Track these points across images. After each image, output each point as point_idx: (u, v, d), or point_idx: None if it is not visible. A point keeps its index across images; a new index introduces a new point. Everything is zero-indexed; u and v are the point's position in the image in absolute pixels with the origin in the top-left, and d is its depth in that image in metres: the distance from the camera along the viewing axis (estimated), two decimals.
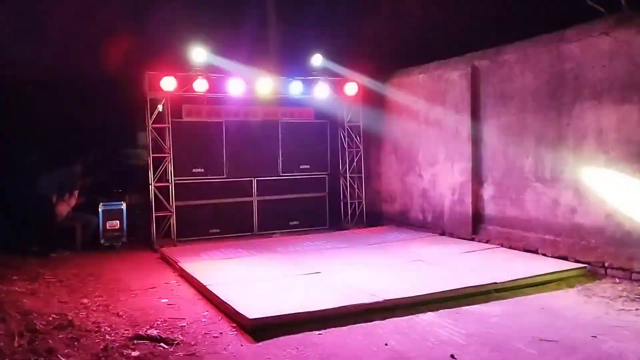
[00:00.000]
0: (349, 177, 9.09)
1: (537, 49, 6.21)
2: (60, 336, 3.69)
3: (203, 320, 4.29)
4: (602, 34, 5.42)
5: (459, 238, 7.24)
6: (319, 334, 3.91)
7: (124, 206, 7.64)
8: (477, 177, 7.20)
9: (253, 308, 4.18)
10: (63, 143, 7.88)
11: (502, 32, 6.75)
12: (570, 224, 5.86)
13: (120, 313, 4.42)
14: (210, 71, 7.58)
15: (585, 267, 5.44)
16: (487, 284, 4.90)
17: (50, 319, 4.05)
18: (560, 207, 5.99)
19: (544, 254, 6.02)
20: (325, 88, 8.33)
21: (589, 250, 5.60)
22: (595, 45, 5.50)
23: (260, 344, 3.76)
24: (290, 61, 8.46)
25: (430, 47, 7.83)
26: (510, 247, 6.45)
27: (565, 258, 5.73)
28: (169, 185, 7.64)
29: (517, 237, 6.52)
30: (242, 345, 3.77)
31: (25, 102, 7.76)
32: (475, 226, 7.20)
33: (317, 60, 8.14)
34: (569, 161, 5.87)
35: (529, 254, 6.10)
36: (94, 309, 4.52)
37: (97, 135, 8.14)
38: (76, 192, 7.41)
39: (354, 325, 4.06)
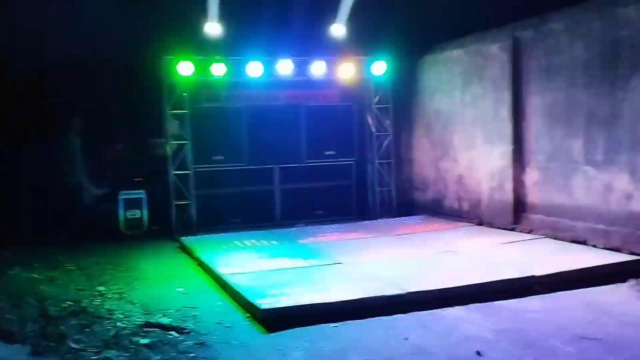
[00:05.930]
0: (378, 163, 8.93)
1: (587, 15, 5.83)
2: (72, 322, 3.87)
3: (216, 310, 4.37)
4: None
5: (499, 228, 6.99)
6: (335, 326, 3.89)
7: (144, 195, 7.88)
8: (519, 161, 6.90)
9: (267, 298, 4.21)
10: (91, 132, 8.15)
11: None
12: (624, 212, 5.51)
13: (135, 301, 4.59)
14: (228, 54, 7.62)
15: None
16: (525, 277, 4.70)
17: (65, 305, 4.25)
18: (614, 193, 5.64)
19: (594, 245, 5.71)
20: (350, 68, 8.19)
21: None
22: None
23: (273, 335, 3.79)
24: (313, 41, 8.34)
25: (467, 18, 7.50)
26: (556, 238, 6.16)
27: (618, 250, 5.42)
28: (188, 174, 7.81)
29: (564, 226, 6.21)
30: (253, 336, 3.81)
31: (50, 90, 8.07)
32: (516, 215, 6.92)
33: (339, 31, 7.81)
34: (625, 141, 5.51)
35: (577, 246, 5.81)
36: (109, 296, 4.72)
37: (121, 122, 8.36)
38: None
39: (373, 319, 4.01)
